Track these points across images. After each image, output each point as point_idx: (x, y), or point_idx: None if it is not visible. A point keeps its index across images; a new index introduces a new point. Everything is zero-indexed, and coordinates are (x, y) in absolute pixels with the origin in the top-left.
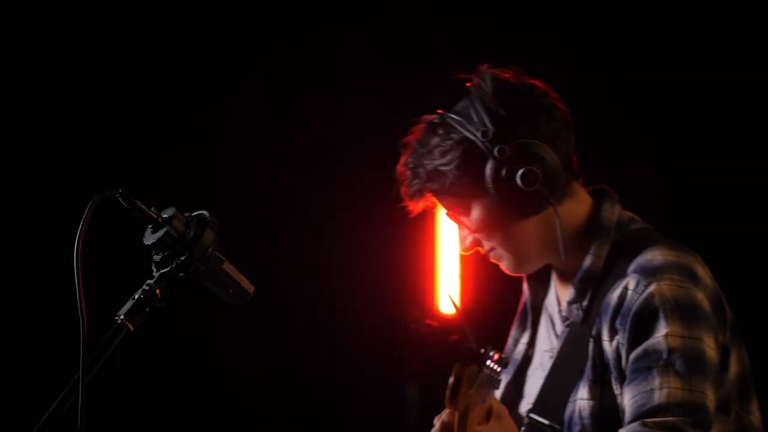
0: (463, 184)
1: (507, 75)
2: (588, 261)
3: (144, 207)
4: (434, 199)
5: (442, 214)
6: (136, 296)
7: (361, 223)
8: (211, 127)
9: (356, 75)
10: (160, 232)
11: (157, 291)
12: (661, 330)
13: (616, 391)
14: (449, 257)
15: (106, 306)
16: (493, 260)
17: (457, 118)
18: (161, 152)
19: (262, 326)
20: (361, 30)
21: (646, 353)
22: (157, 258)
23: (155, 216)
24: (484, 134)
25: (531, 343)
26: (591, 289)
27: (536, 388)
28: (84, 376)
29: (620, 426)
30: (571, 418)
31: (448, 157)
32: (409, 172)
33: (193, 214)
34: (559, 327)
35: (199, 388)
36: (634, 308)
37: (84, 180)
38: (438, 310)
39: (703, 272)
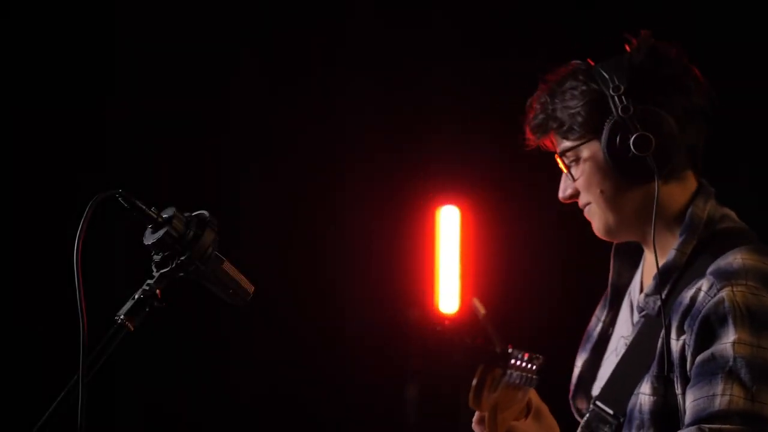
0: (580, 132)
1: (667, 48)
2: (671, 255)
3: (144, 207)
4: (552, 140)
5: (442, 214)
6: (136, 296)
7: (361, 223)
8: (210, 127)
9: (356, 75)
10: (160, 232)
11: (157, 291)
12: (730, 336)
13: (678, 391)
14: (449, 257)
15: (106, 306)
16: (586, 216)
17: (600, 70)
18: (161, 152)
19: (261, 326)
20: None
21: (712, 358)
22: (157, 258)
23: (155, 216)
24: (615, 89)
25: (611, 323)
26: (670, 284)
27: (607, 373)
28: (84, 376)
29: (678, 426)
30: (632, 411)
31: (577, 101)
32: (538, 106)
33: (193, 214)
34: (636, 315)
35: (199, 388)
36: (703, 311)
37: (84, 180)
38: (438, 309)
39: None
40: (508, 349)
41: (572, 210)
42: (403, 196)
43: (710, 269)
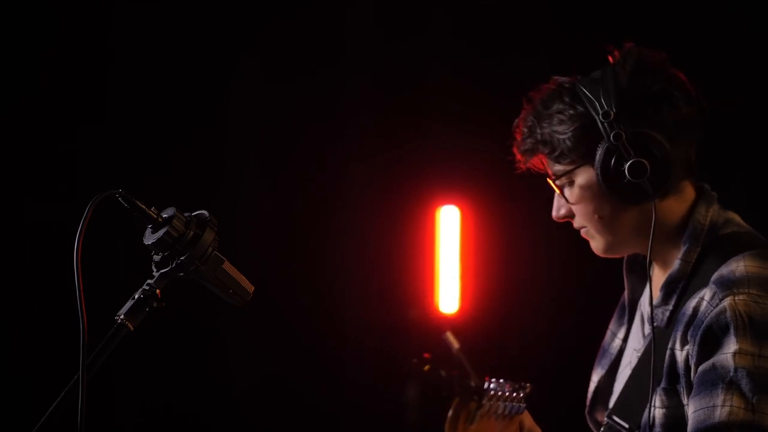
0: (572, 157)
1: (651, 58)
2: (676, 265)
3: (144, 207)
4: (542, 161)
5: (442, 214)
6: (136, 296)
7: (361, 223)
8: (210, 127)
9: (356, 74)
10: (160, 232)
11: (157, 291)
12: (731, 347)
13: (685, 402)
14: (449, 257)
15: (106, 306)
16: (584, 236)
17: (585, 90)
18: (161, 152)
19: (261, 326)
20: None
21: (713, 368)
22: (157, 258)
23: (155, 216)
24: (605, 115)
25: (625, 338)
26: (677, 294)
27: (621, 387)
28: (84, 376)
29: None
30: (645, 425)
31: (565, 127)
32: (525, 129)
33: (193, 214)
34: (647, 328)
35: (199, 388)
36: (706, 321)
37: (84, 180)
38: (438, 310)
39: None
40: (483, 383)
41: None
42: (403, 196)
43: (713, 278)
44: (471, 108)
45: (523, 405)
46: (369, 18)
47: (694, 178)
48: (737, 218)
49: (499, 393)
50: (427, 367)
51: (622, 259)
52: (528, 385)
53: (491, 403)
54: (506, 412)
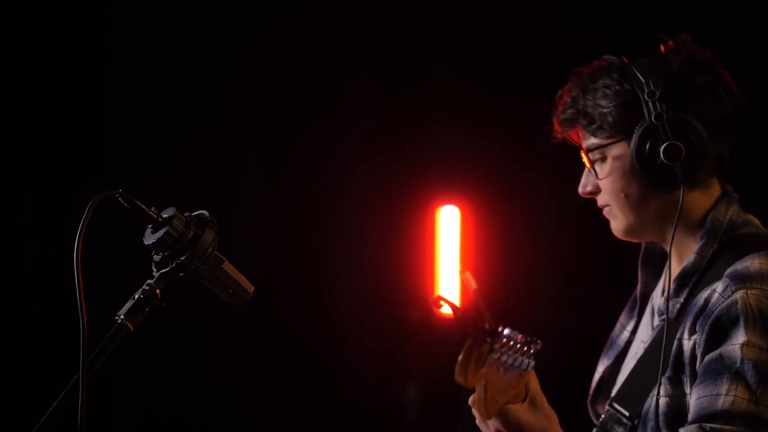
0: (610, 133)
1: (702, 53)
2: (691, 259)
3: (144, 207)
4: (579, 134)
5: (442, 214)
6: (136, 296)
7: (361, 223)
8: (210, 127)
9: (356, 74)
10: (160, 232)
11: (157, 291)
12: (739, 338)
13: (688, 391)
14: (449, 257)
15: (106, 306)
16: (606, 215)
17: (636, 71)
18: (161, 152)
19: (261, 326)
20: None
21: (720, 357)
22: (157, 258)
23: (155, 216)
24: (651, 94)
25: (634, 331)
26: (689, 287)
27: (625, 376)
28: (84, 376)
29: None
30: (647, 413)
31: (609, 101)
32: (569, 100)
33: (193, 214)
34: (657, 319)
35: (199, 388)
36: (716, 312)
37: (83, 179)
38: (438, 310)
39: None
40: (498, 327)
41: (572, 210)
42: (403, 196)
43: (727, 272)
44: (471, 108)
45: (533, 362)
46: (369, 18)
47: (724, 177)
48: (756, 221)
49: (511, 342)
50: (441, 306)
51: (624, 260)
52: (539, 341)
53: (502, 350)
54: (515, 363)
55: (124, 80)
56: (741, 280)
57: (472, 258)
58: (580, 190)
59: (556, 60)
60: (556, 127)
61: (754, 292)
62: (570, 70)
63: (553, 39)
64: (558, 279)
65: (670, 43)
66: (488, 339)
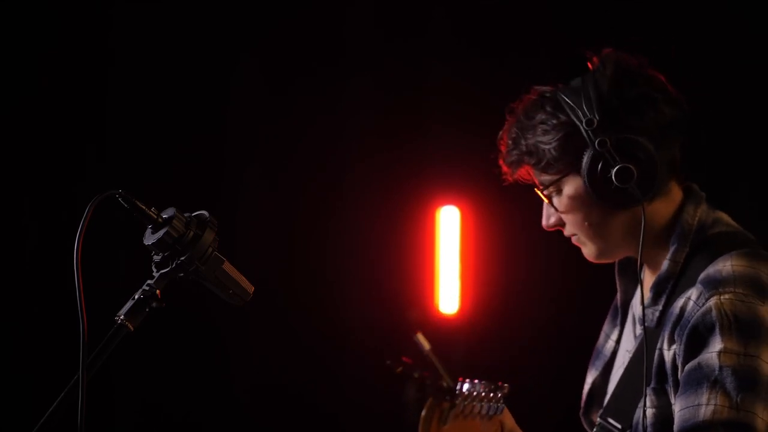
0: (559, 166)
1: (630, 62)
2: (665, 266)
3: (144, 207)
4: (531, 172)
5: (442, 214)
6: (136, 296)
7: (361, 223)
8: (210, 127)
9: (356, 74)
10: (161, 233)
11: (157, 291)
12: (716, 346)
13: (673, 401)
14: (449, 257)
15: (106, 306)
16: (575, 243)
17: (567, 99)
18: (161, 152)
19: (261, 326)
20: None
21: (698, 367)
22: (157, 258)
23: (155, 216)
24: (589, 123)
25: (618, 340)
26: (666, 294)
27: (614, 387)
28: (84, 376)
29: None
30: (637, 425)
31: (550, 137)
32: (510, 141)
33: (193, 214)
34: (639, 329)
35: (199, 388)
36: (692, 321)
37: (83, 180)
38: (438, 310)
39: None
40: (456, 383)
41: None
42: (403, 196)
43: (700, 277)
44: (471, 108)
45: (502, 405)
46: (369, 18)
47: (682, 177)
48: (726, 217)
49: (474, 393)
50: (399, 369)
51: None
52: (506, 385)
53: (466, 403)
54: (484, 411)
55: (124, 80)
56: (714, 285)
57: (472, 258)
58: (543, 223)
59: (556, 60)
60: (504, 169)
61: (727, 296)
62: (570, 70)
63: (553, 39)
64: (558, 279)
65: (595, 59)
66: (447, 397)
